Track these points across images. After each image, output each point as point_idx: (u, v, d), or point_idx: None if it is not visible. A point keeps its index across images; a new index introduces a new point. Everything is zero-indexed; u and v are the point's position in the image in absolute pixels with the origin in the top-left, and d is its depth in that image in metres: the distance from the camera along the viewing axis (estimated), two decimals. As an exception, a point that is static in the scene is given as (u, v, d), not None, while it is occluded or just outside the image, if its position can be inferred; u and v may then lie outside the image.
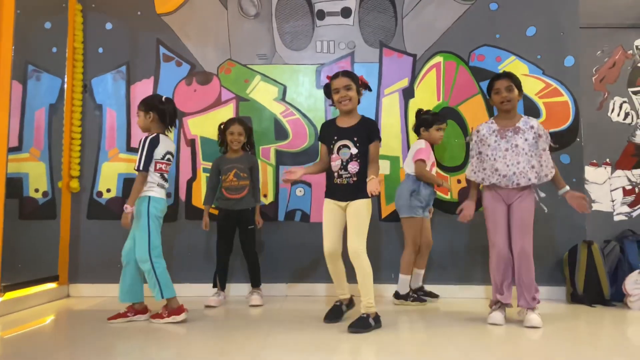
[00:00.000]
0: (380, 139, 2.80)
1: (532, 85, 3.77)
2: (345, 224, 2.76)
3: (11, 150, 3.53)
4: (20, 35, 3.20)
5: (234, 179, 3.38)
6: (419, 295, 3.43)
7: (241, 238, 3.43)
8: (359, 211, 2.70)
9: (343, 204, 2.75)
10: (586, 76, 3.91)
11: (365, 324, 2.61)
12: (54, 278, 3.56)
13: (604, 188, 3.89)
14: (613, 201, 3.87)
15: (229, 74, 3.84)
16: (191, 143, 3.81)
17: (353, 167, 2.71)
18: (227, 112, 3.79)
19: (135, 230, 2.84)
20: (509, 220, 2.84)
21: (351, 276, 2.75)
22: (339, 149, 2.76)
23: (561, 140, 3.72)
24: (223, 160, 3.43)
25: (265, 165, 3.77)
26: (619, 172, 3.90)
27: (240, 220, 3.39)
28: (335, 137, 2.78)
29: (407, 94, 3.81)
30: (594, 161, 3.89)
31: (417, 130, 3.54)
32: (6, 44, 3.06)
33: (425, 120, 3.49)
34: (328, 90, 2.85)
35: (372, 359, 2.29)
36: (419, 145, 3.42)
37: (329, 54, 3.86)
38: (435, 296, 3.50)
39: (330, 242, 2.75)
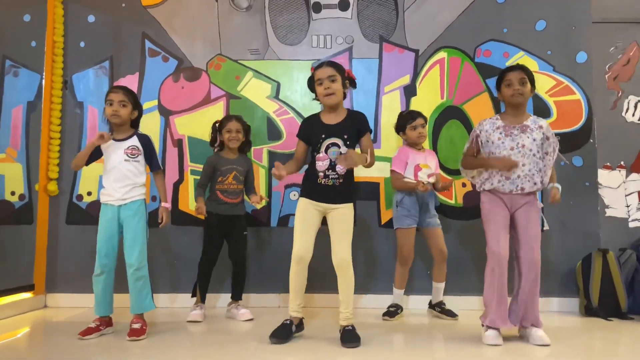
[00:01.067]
0: (371, 130, 2.65)
1: (542, 82, 3.54)
2: (319, 229, 2.58)
3: (-15, 150, 3.35)
4: (-4, 27, 2.99)
5: (233, 182, 3.13)
6: (437, 310, 3.18)
7: (233, 247, 3.17)
8: (347, 217, 2.54)
9: (323, 206, 2.55)
10: (599, 73, 3.68)
11: (357, 337, 2.47)
12: (29, 287, 3.33)
13: (619, 192, 3.65)
14: (628, 206, 3.64)
15: (218, 70, 3.62)
16: (178, 143, 3.58)
17: (341, 167, 2.51)
18: (216, 110, 3.56)
19: (136, 232, 2.64)
20: (514, 228, 2.59)
21: (329, 287, 2.53)
22: (327, 147, 2.55)
23: (573, 142, 3.51)
24: (221, 160, 3.15)
25: (258, 167, 3.54)
26: (634, 175, 3.66)
27: (233, 227, 3.14)
28: (323, 135, 2.56)
29: (409, 91, 3.59)
30: (608, 164, 3.66)
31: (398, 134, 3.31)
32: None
33: (397, 124, 3.26)
34: (311, 83, 2.64)
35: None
36: (395, 154, 3.22)
37: (325, 49, 3.63)
38: (453, 315, 3.13)
39: (303, 246, 2.52)
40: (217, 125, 3.22)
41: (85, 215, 3.50)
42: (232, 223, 3.14)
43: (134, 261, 2.62)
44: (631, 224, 3.62)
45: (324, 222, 2.61)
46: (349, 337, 2.45)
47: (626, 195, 3.65)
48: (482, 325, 2.57)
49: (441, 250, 3.15)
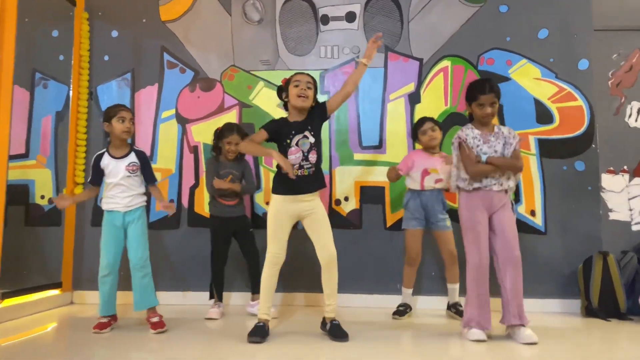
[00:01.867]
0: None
1: (545, 89, 3.64)
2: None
3: (18, 157, 3.60)
4: (28, 43, 3.23)
5: (229, 183, 3.31)
6: (452, 311, 3.26)
7: (242, 244, 3.36)
8: (324, 214, 2.72)
9: (301, 197, 2.68)
10: (602, 80, 3.76)
11: (344, 331, 2.63)
12: (57, 285, 3.57)
13: (622, 197, 3.72)
14: (631, 210, 3.70)
15: (232, 80, 3.82)
16: (194, 150, 3.79)
17: (313, 156, 2.69)
18: (230, 118, 3.76)
19: (139, 235, 2.88)
20: (492, 230, 2.70)
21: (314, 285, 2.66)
22: (298, 141, 2.69)
23: (575, 147, 3.59)
24: (219, 164, 3.35)
25: (268, 173, 3.72)
26: (637, 179, 3.73)
27: (238, 226, 3.34)
28: (293, 132, 2.71)
29: (414, 99, 3.72)
30: (611, 168, 3.73)
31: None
32: (8, 50, 3.09)
33: (412, 133, 3.44)
34: (280, 92, 2.82)
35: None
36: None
37: (333, 59, 3.80)
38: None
39: (279, 247, 2.67)
40: (217, 132, 3.39)
41: (109, 217, 3.74)
42: (236, 223, 3.33)
43: (140, 260, 2.85)
44: (634, 227, 3.68)
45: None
46: (340, 332, 2.61)
47: (629, 199, 3.71)
48: (464, 328, 2.67)
49: (451, 252, 3.22)
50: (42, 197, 3.76)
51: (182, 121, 3.81)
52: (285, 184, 2.67)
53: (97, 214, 3.74)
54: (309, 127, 2.72)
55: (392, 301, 3.42)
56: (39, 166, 3.76)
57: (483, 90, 2.71)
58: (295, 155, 2.68)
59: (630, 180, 3.72)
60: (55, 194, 3.74)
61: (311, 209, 2.69)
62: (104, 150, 2.93)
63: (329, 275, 2.67)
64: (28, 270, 3.47)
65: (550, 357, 2.39)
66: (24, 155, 3.68)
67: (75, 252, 3.73)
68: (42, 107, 3.81)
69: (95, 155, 2.93)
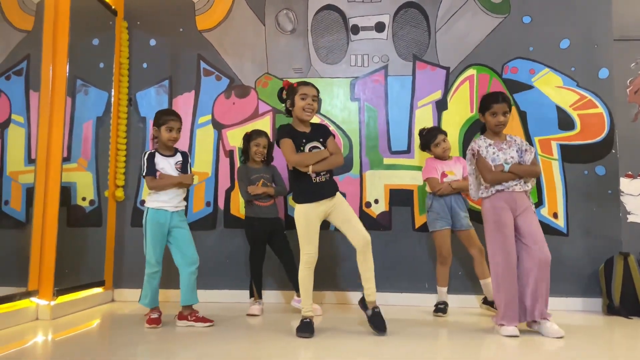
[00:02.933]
0: (334, 136, 2.92)
1: (567, 97, 3.79)
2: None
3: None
4: (70, 51, 3.38)
5: (261, 188, 3.47)
6: (488, 304, 3.41)
7: (276, 246, 3.50)
8: (348, 204, 2.86)
9: (323, 203, 2.79)
10: (620, 88, 3.91)
11: (384, 322, 2.76)
12: (100, 283, 3.73)
13: (639, 200, 3.87)
14: (649, 213, 3.85)
15: (266, 87, 3.98)
16: (230, 154, 3.95)
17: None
18: (264, 124, 3.92)
19: (189, 235, 3.08)
20: (520, 232, 2.83)
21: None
22: (310, 149, 2.81)
23: (596, 152, 3.74)
24: (250, 170, 3.51)
25: (301, 176, 3.87)
26: (654, 183, 3.88)
27: (274, 228, 3.49)
28: (304, 140, 2.82)
29: (441, 106, 3.88)
30: (630, 173, 3.88)
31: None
32: (61, 62, 3.26)
33: (421, 143, 3.59)
34: (283, 93, 2.91)
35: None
36: (424, 166, 3.55)
37: (363, 67, 3.96)
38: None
39: (313, 247, 2.78)
40: (246, 136, 3.55)
41: (148, 218, 3.89)
42: (272, 224, 3.48)
43: (194, 258, 3.02)
44: (652, 229, 3.84)
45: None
46: (380, 323, 2.74)
47: (647, 202, 3.87)
48: (496, 324, 2.83)
49: (479, 248, 3.37)
50: (84, 199, 3.91)
51: (218, 126, 3.97)
52: (307, 193, 2.79)
53: (137, 215, 3.91)
54: (320, 140, 2.85)
55: (421, 299, 3.61)
56: (80, 169, 3.91)
57: (496, 100, 2.88)
58: None
59: (647, 184, 3.88)
60: (96, 196, 3.90)
61: (334, 204, 2.82)
62: (154, 149, 3.10)
63: (365, 258, 2.76)
64: (73, 269, 3.61)
65: (578, 351, 2.53)
66: (66, 159, 3.82)
67: (116, 251, 3.89)
68: (83, 113, 3.95)
69: (147, 153, 3.08)
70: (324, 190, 2.81)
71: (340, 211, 2.82)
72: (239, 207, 3.87)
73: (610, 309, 3.46)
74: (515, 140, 2.94)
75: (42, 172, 3.24)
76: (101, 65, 3.97)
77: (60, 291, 3.21)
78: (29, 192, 3.29)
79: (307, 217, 2.79)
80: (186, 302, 3.02)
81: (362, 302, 2.87)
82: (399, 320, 3.13)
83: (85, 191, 3.90)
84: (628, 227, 3.81)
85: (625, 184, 3.86)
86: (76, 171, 3.89)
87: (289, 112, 2.92)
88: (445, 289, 3.45)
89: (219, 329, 2.91)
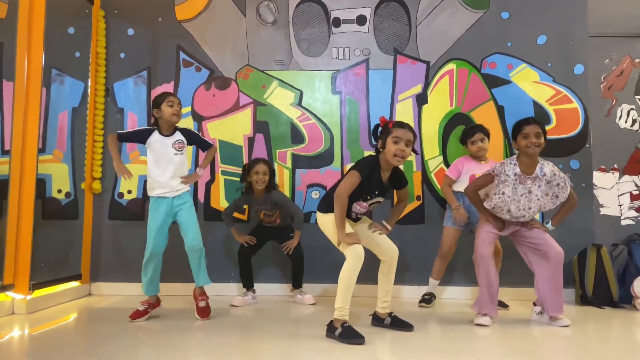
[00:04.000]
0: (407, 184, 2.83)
1: (543, 92, 3.87)
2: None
3: (35, 152, 3.65)
4: (45, 40, 3.30)
5: (264, 218, 3.54)
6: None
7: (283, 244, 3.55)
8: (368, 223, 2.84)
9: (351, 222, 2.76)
10: (595, 84, 4.01)
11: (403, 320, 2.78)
12: (77, 277, 3.66)
13: (612, 193, 3.98)
14: (620, 206, 3.96)
15: (247, 79, 3.95)
16: (210, 146, 3.91)
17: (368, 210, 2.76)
18: (245, 116, 3.90)
19: (190, 217, 3.04)
20: (524, 238, 2.97)
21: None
22: (372, 202, 2.70)
23: (571, 146, 3.83)
24: (250, 201, 3.55)
25: (282, 169, 3.87)
26: (626, 177, 3.99)
27: (280, 234, 3.55)
28: (376, 192, 2.66)
29: (421, 99, 3.91)
30: (602, 167, 3.99)
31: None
32: (37, 51, 3.18)
33: (461, 139, 3.61)
34: (377, 131, 2.69)
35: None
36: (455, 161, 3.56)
37: (344, 60, 3.96)
38: (504, 306, 3.37)
39: (361, 249, 2.56)
40: (245, 167, 3.53)
41: (126, 211, 3.85)
42: (278, 231, 3.56)
43: (197, 242, 3.00)
44: (623, 222, 3.95)
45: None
46: (405, 322, 2.75)
47: (619, 196, 3.98)
48: (477, 313, 2.93)
49: (497, 248, 3.36)
50: (59, 191, 3.83)
51: (198, 118, 3.93)
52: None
53: (114, 208, 3.86)
54: (386, 194, 2.75)
55: (400, 291, 3.70)
56: (56, 161, 3.83)
57: (527, 122, 2.87)
58: (360, 209, 2.69)
59: (619, 177, 3.99)
60: (72, 188, 3.82)
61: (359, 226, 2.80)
62: (155, 127, 3.05)
63: (393, 271, 2.78)
64: (49, 262, 3.54)
65: (553, 341, 2.61)
66: (41, 150, 3.72)
67: (92, 245, 3.82)
68: (59, 103, 3.86)
69: (145, 127, 3.06)
70: (355, 219, 2.79)
71: (368, 224, 2.81)
72: (219, 200, 3.85)
73: (584, 299, 3.56)
74: (544, 174, 2.84)
75: (17, 163, 3.16)
76: (77, 54, 3.88)
77: (36, 285, 3.15)
78: (3, 184, 3.21)
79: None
80: (199, 283, 3.04)
81: (376, 319, 2.82)
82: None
83: (60, 183, 3.82)
84: (601, 220, 3.91)
85: (598, 177, 3.96)
86: (51, 163, 3.81)
87: (377, 152, 2.67)
88: (436, 282, 3.51)
89: (202, 323, 2.91)
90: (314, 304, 3.45)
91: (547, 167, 2.86)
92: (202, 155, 3.72)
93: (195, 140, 3.18)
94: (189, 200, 3.07)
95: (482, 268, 2.88)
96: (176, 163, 3.02)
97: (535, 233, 2.94)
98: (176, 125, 3.10)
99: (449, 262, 3.55)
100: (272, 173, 3.51)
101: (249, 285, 3.50)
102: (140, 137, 3.05)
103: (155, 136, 3.02)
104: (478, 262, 2.90)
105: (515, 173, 2.85)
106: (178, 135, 3.07)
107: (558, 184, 2.85)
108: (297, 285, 3.58)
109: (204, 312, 2.97)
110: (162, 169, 3.00)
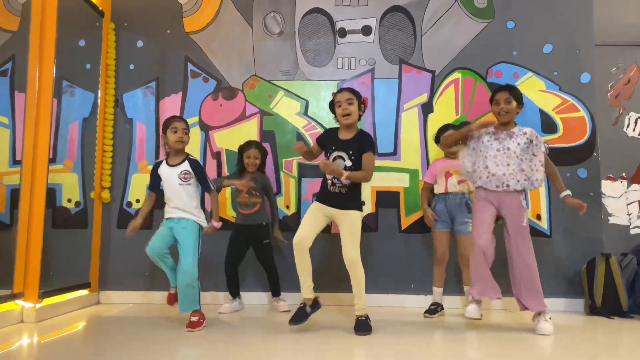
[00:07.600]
0: (373, 151, 2.91)
1: (549, 101, 3.86)
2: (323, 229, 2.92)
3: (46, 161, 3.71)
4: (56, 52, 3.37)
5: (245, 196, 3.55)
6: None
7: (258, 254, 3.57)
8: (354, 222, 2.85)
9: (332, 210, 2.88)
10: (602, 92, 4.00)
11: (368, 326, 2.81)
12: (85, 285, 3.70)
13: (620, 202, 3.95)
14: (629, 215, 3.93)
15: (253, 89, 3.99)
16: (217, 156, 3.95)
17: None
18: (251, 126, 3.94)
19: (188, 244, 2.98)
20: (504, 225, 2.98)
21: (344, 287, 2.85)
22: (334, 159, 2.90)
23: (578, 155, 3.81)
24: (241, 177, 3.58)
25: (288, 178, 3.90)
26: (634, 186, 3.96)
27: (255, 236, 3.54)
28: (333, 147, 2.93)
29: (426, 109, 3.93)
30: (611, 175, 3.96)
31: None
32: (48, 63, 3.25)
33: (435, 137, 3.64)
34: (332, 106, 2.99)
35: None
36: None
37: (349, 70, 3.99)
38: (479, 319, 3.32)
39: (304, 232, 2.83)
40: (240, 148, 3.64)
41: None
42: (252, 232, 3.54)
43: (183, 268, 2.90)
44: (632, 231, 3.92)
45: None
46: (361, 326, 2.80)
47: (627, 204, 3.95)
48: (470, 299, 2.97)
49: (465, 257, 3.31)
50: (69, 200, 3.88)
51: (205, 128, 3.97)
52: (321, 194, 2.97)
53: (123, 217, 3.90)
54: (350, 152, 2.87)
55: (407, 300, 3.65)
56: (66, 170, 3.88)
57: (498, 89, 3.04)
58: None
59: (628, 186, 3.96)
60: (81, 197, 3.88)
61: (339, 219, 2.88)
62: (163, 159, 3.10)
63: (352, 278, 2.85)
64: (59, 271, 3.58)
65: (561, 351, 2.59)
66: (52, 160, 3.79)
67: (101, 253, 3.86)
68: (69, 114, 3.92)
69: (154, 163, 3.11)
70: (332, 200, 2.88)
71: (341, 223, 2.88)
72: (225, 209, 3.88)
73: (593, 309, 3.52)
74: (524, 133, 2.97)
75: (27, 173, 3.22)
76: (87, 66, 3.95)
77: (45, 293, 3.19)
78: (14, 194, 3.26)
79: (312, 209, 2.93)
80: (180, 309, 2.97)
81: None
82: (385, 320, 3.15)
83: (70, 192, 3.87)
84: (609, 229, 3.88)
85: (606, 186, 3.94)
86: (62, 172, 3.86)
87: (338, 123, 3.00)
88: (440, 290, 3.46)
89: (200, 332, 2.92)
90: (287, 311, 3.44)
91: (528, 129, 3.01)
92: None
93: (199, 176, 3.07)
94: (191, 227, 2.99)
95: (476, 250, 2.91)
96: (181, 193, 3.01)
97: (516, 216, 2.94)
98: (188, 154, 3.11)
99: (451, 268, 3.54)
100: (263, 156, 3.63)
101: (234, 294, 3.55)
102: (156, 176, 3.08)
103: (163, 167, 3.06)
104: (472, 250, 2.93)
105: (488, 131, 3.01)
106: (185, 166, 3.04)
107: (537, 145, 2.95)
108: (275, 293, 3.62)
109: (191, 325, 2.90)
110: (168, 197, 3.05)
